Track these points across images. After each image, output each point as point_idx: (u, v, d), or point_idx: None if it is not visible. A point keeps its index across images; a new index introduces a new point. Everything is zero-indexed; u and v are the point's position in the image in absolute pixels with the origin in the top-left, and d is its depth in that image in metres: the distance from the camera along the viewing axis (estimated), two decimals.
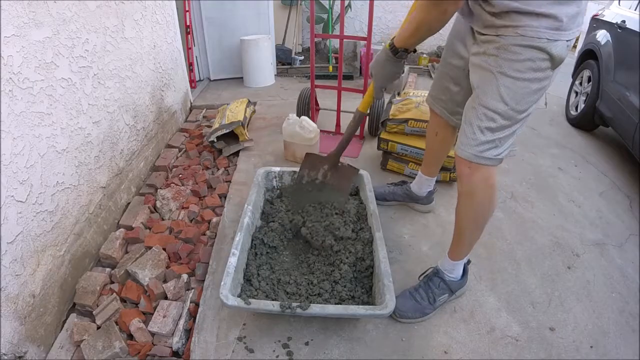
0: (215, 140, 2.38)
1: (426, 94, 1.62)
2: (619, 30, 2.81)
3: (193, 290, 1.50)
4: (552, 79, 1.06)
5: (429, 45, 4.65)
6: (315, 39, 3.49)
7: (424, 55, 4.44)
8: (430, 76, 4.11)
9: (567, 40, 0.98)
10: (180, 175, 2.21)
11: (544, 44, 0.97)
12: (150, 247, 1.66)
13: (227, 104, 2.80)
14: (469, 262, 1.47)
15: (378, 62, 1.28)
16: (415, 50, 1.21)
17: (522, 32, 0.97)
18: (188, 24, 3.44)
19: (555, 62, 1.00)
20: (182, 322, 1.38)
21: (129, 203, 1.99)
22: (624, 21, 2.76)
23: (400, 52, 1.20)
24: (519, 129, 1.12)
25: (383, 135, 2.18)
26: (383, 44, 4.45)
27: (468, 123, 1.14)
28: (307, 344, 1.30)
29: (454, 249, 1.39)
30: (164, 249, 1.66)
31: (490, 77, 1.05)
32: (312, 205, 1.64)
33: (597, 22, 3.29)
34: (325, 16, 4.16)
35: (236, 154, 2.43)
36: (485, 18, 1.06)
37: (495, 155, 1.13)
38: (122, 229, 1.77)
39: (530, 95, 1.04)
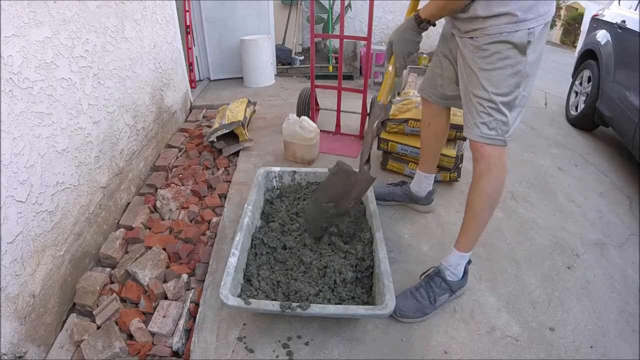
0: (215, 140, 2.38)
1: None
2: (619, 30, 2.80)
3: (193, 290, 1.50)
4: (527, 62, 1.18)
5: (429, 45, 4.64)
6: (315, 39, 3.49)
7: (424, 55, 4.44)
8: None
9: (527, 29, 1.14)
10: (180, 175, 2.21)
11: (505, 37, 1.15)
12: (150, 247, 1.66)
13: (227, 104, 2.79)
14: (469, 262, 1.47)
15: (399, 30, 1.36)
16: (434, 24, 1.31)
17: (487, 32, 1.18)
18: (188, 24, 3.44)
19: (519, 47, 1.16)
20: (182, 322, 1.38)
21: (129, 203, 1.99)
22: (624, 21, 2.76)
23: (424, 23, 1.30)
24: (510, 112, 1.24)
25: (383, 135, 2.18)
26: (383, 43, 4.47)
27: (468, 111, 1.31)
28: (307, 344, 1.30)
29: (463, 239, 1.41)
30: (164, 249, 1.66)
31: (472, 74, 1.26)
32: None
33: (597, 22, 3.29)
34: (325, 16, 4.16)
35: (236, 154, 2.43)
36: (460, 25, 1.27)
37: (497, 135, 1.27)
38: (122, 229, 1.77)
39: (506, 79, 1.20)
